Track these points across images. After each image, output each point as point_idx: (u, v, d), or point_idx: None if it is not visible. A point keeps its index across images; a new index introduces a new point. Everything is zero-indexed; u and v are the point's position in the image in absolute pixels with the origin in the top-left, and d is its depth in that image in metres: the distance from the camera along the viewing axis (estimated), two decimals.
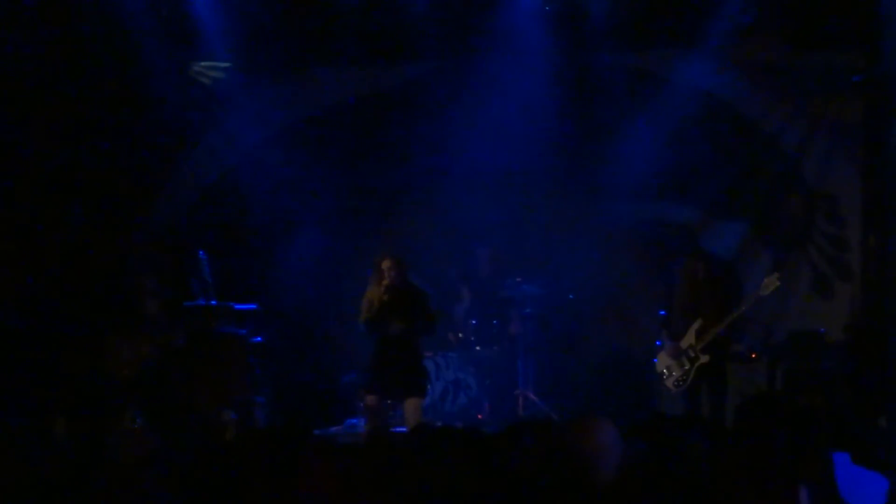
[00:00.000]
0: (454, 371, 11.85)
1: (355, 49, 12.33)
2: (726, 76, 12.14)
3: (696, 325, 9.76)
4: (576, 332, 12.44)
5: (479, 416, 11.74)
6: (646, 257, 12.24)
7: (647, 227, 12.41)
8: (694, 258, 10.01)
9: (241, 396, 10.66)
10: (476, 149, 12.22)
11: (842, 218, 12.05)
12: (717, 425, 8.98)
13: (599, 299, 12.41)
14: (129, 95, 12.18)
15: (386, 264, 9.67)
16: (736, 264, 11.26)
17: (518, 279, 12.17)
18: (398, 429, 10.04)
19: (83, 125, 11.92)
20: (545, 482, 4.33)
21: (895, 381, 10.18)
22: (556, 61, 12.06)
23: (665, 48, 12.20)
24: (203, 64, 12.48)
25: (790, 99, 12.10)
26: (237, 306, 11.22)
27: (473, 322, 12.15)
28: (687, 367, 9.76)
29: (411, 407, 9.73)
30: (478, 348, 12.04)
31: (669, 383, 9.91)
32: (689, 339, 9.78)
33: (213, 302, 10.97)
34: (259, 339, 11.22)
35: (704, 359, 9.71)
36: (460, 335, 12.11)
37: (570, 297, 12.33)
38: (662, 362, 9.97)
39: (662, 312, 10.22)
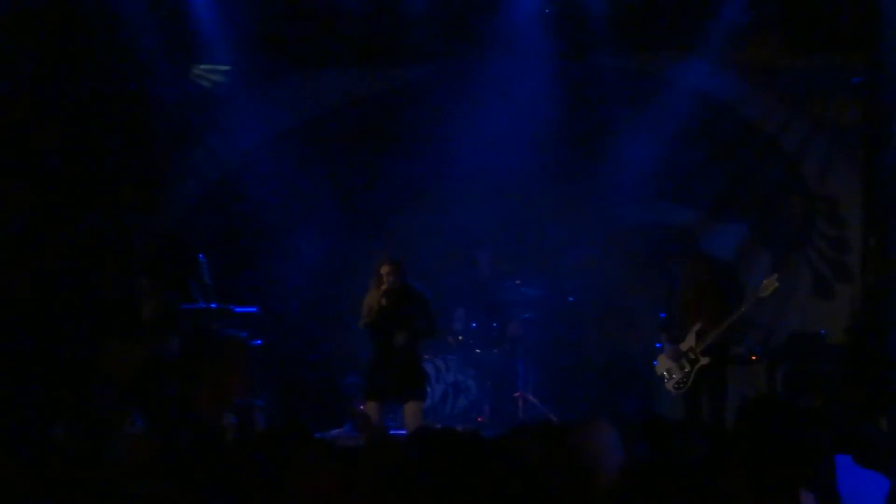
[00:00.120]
0: (454, 374, 11.84)
1: (355, 51, 12.35)
2: (726, 78, 12.15)
3: (696, 327, 9.75)
4: (576, 335, 12.43)
5: (479, 419, 11.73)
6: (646, 259, 12.24)
7: (647, 229, 12.41)
8: (694, 260, 10.00)
9: (241, 399, 10.65)
10: (476, 151, 12.22)
11: (841, 219, 12.06)
12: (718, 428, 8.99)
13: (599, 301, 12.40)
14: (130, 98, 12.19)
15: (385, 269, 9.67)
16: (736, 266, 11.25)
17: (518, 282, 12.16)
18: (398, 432, 10.03)
19: (83, 127, 11.92)
20: (545, 485, 4.33)
21: (895, 382, 10.17)
22: (556, 63, 12.07)
23: (665, 50, 12.21)
24: (203, 67, 12.49)
25: (790, 101, 12.11)
26: (237, 309, 11.21)
27: (473, 325, 12.14)
28: (687, 370, 9.75)
29: (411, 410, 9.72)
30: (478, 351, 12.03)
31: (670, 386, 9.89)
32: (689, 341, 9.77)
33: (213, 305, 10.96)
34: (259, 341, 11.21)
35: (705, 361, 9.70)
36: (460, 338, 12.10)
37: (570, 299, 12.33)
38: (662, 365, 9.95)
39: (662, 315, 10.21)
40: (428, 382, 10.75)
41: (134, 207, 12.47)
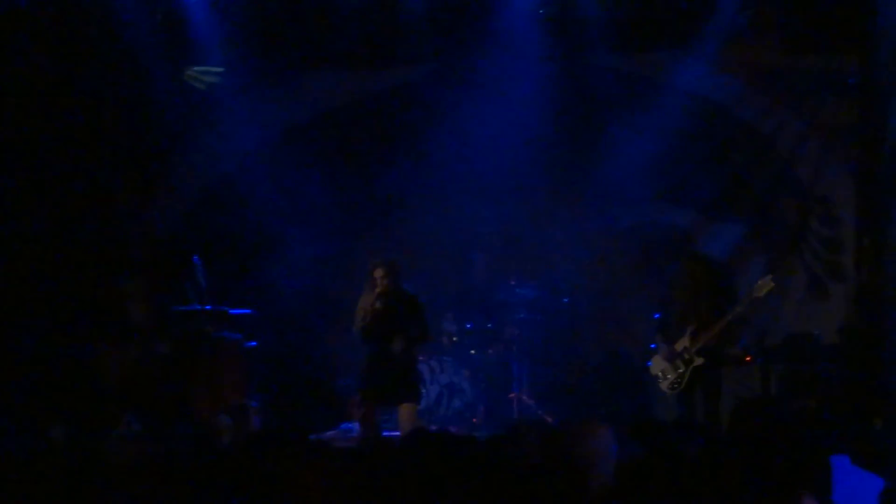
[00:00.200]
0: (449, 375, 11.85)
1: (352, 52, 12.36)
2: (721, 79, 12.16)
3: (691, 328, 9.76)
4: (571, 336, 12.43)
5: (474, 420, 11.73)
6: (640, 260, 12.26)
7: (642, 229, 12.43)
8: (690, 260, 10.00)
9: (237, 401, 10.64)
10: (472, 152, 12.24)
11: (836, 220, 12.07)
12: (712, 428, 9.01)
13: (594, 302, 12.41)
14: (124, 100, 12.17)
15: (379, 272, 9.64)
16: (731, 266, 11.26)
17: (513, 282, 12.17)
18: (392, 433, 10.03)
19: (78, 130, 11.91)
20: (540, 486, 4.33)
21: (890, 382, 10.19)
22: (551, 65, 12.07)
23: (660, 51, 12.22)
24: (197, 69, 12.48)
25: (785, 102, 12.13)
26: (232, 311, 11.21)
27: (468, 326, 12.14)
28: (682, 370, 9.75)
29: (406, 412, 9.71)
30: (472, 352, 12.03)
31: (664, 386, 9.90)
32: (684, 341, 9.78)
33: (208, 307, 10.95)
34: (254, 343, 11.21)
35: (699, 361, 9.70)
36: (455, 339, 12.10)
37: (565, 300, 12.33)
38: (657, 365, 9.96)
39: (657, 315, 10.22)
40: (422, 384, 10.74)
41: (129, 210, 12.46)
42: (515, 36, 11.89)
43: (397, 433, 9.77)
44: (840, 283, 11.99)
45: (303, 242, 12.58)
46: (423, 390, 10.88)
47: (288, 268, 12.49)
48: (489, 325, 12.15)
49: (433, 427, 9.13)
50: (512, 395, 11.95)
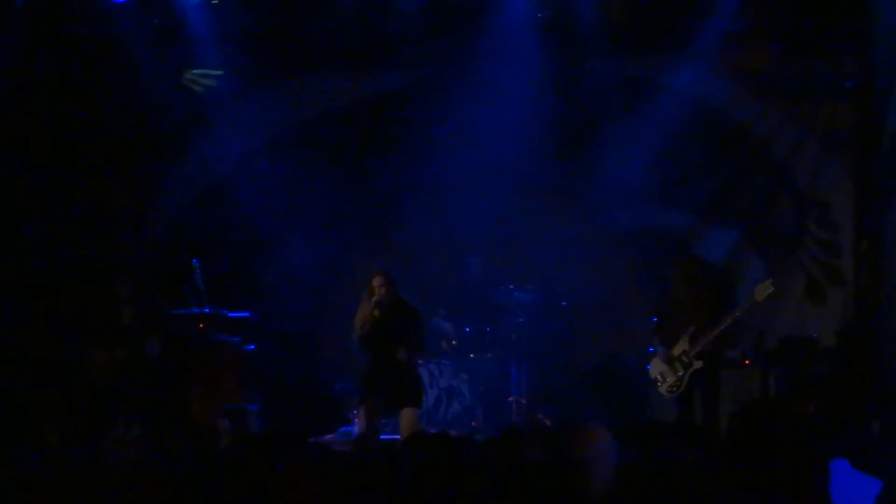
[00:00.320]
0: (447, 379, 11.84)
1: (348, 56, 12.35)
2: (718, 82, 12.17)
3: (689, 331, 9.75)
4: (568, 339, 12.42)
5: (473, 423, 11.73)
6: (638, 263, 12.25)
7: (640, 233, 12.43)
8: (687, 263, 10.00)
9: (235, 404, 10.64)
10: (469, 156, 12.24)
11: (833, 223, 12.08)
12: (711, 432, 9.00)
13: (592, 306, 12.40)
14: (122, 102, 12.17)
15: (377, 281, 9.67)
16: (728, 269, 11.26)
17: (510, 286, 12.16)
18: (391, 436, 10.03)
19: (75, 132, 11.90)
20: (539, 489, 4.33)
21: (888, 385, 10.19)
22: (547, 68, 12.06)
23: (656, 55, 12.22)
24: (195, 71, 12.48)
25: (782, 104, 12.13)
26: (230, 314, 11.21)
27: (467, 329, 12.14)
28: (680, 374, 9.75)
29: (407, 416, 9.71)
30: (471, 355, 12.03)
31: (663, 389, 9.89)
32: (682, 344, 9.77)
33: (207, 309, 10.95)
34: (252, 346, 11.20)
35: (698, 365, 9.70)
36: (453, 342, 12.10)
37: (563, 304, 12.33)
38: (656, 368, 9.96)
39: (655, 319, 10.22)
40: (423, 389, 10.74)
41: (124, 212, 12.45)
42: (512, 39, 11.88)
43: (397, 436, 9.76)
44: (838, 286, 12.00)
45: (300, 245, 12.57)
46: (424, 395, 10.87)
47: (286, 271, 12.49)
48: (487, 329, 12.15)
49: (432, 430, 9.14)
50: (510, 398, 11.94)
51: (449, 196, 12.41)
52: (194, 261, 11.10)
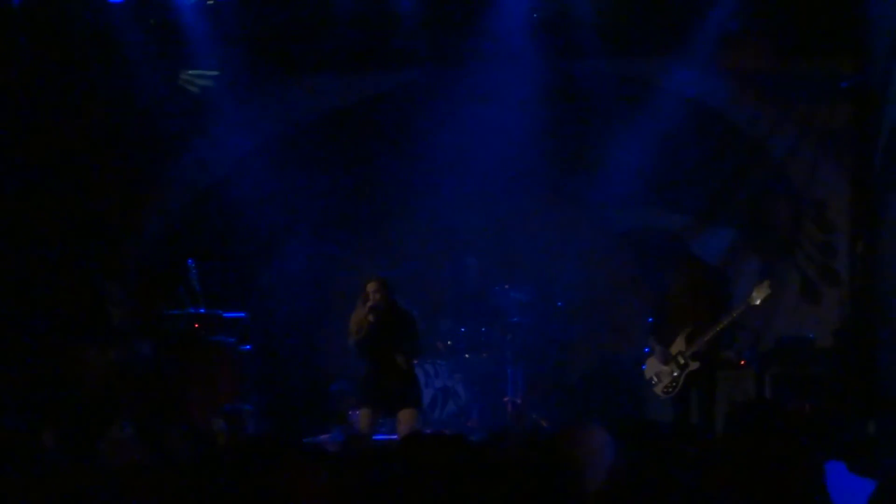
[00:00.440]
0: (443, 379, 11.84)
1: (344, 56, 12.34)
2: (714, 83, 12.17)
3: (686, 332, 9.76)
4: (565, 339, 12.42)
5: (468, 424, 11.72)
6: (634, 264, 12.26)
7: (636, 233, 12.43)
8: (684, 263, 10.01)
9: (231, 405, 10.64)
10: (465, 156, 12.23)
11: (829, 224, 12.08)
12: (707, 432, 9.01)
13: (588, 306, 12.39)
14: (118, 103, 12.16)
15: (371, 286, 9.71)
16: (725, 270, 11.26)
17: (506, 287, 12.16)
18: (390, 437, 10.02)
19: (71, 133, 11.89)
20: (535, 489, 4.33)
21: (883, 386, 10.20)
22: (544, 68, 12.06)
23: (653, 55, 12.22)
24: (191, 72, 12.47)
25: (778, 105, 12.14)
26: (226, 314, 11.20)
27: (462, 329, 12.14)
28: (676, 374, 9.75)
29: (406, 416, 9.72)
30: (466, 356, 12.02)
31: (658, 390, 9.90)
32: (678, 345, 9.77)
33: (202, 310, 10.94)
34: (248, 347, 11.20)
35: (694, 365, 9.70)
36: (449, 343, 12.10)
37: (559, 304, 12.32)
38: (651, 368, 9.96)
39: (651, 319, 10.22)
40: (421, 390, 10.74)
41: (121, 212, 12.44)
42: (509, 39, 11.88)
43: (394, 437, 9.76)
44: (833, 287, 12.00)
45: (297, 246, 12.57)
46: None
47: (282, 271, 12.48)
48: (483, 329, 12.14)
49: (428, 430, 9.14)
50: (506, 398, 11.93)
51: (445, 196, 12.40)
52: (190, 261, 11.09)
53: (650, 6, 11.74)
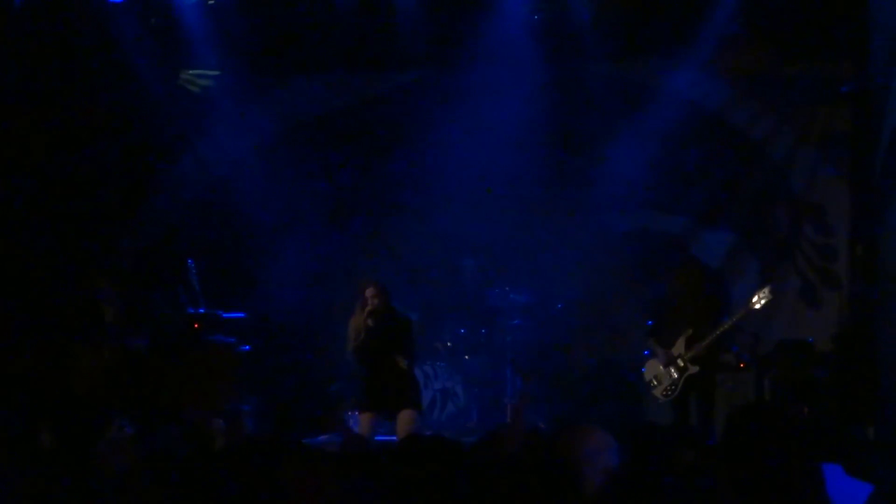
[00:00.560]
0: (442, 380, 11.84)
1: (344, 57, 12.34)
2: (714, 86, 12.17)
3: (685, 335, 9.76)
4: (564, 342, 12.42)
5: (468, 425, 11.72)
6: (634, 266, 12.25)
7: (636, 236, 12.43)
8: (685, 266, 10.01)
9: (229, 405, 10.63)
10: (464, 158, 12.22)
11: (829, 227, 12.08)
12: (706, 435, 9.01)
13: (587, 309, 12.39)
14: (118, 103, 12.16)
15: (369, 291, 9.72)
16: (725, 273, 11.26)
17: (506, 288, 12.16)
18: (389, 438, 10.02)
19: (70, 132, 11.88)
20: (532, 490, 4.33)
21: (883, 390, 10.19)
22: (543, 71, 12.06)
23: (653, 58, 12.22)
24: (191, 72, 12.47)
25: (778, 109, 12.14)
26: (225, 315, 11.20)
27: (461, 331, 12.14)
28: (676, 377, 9.75)
29: (405, 418, 9.72)
30: (466, 357, 12.02)
31: (658, 392, 9.90)
32: (678, 347, 9.78)
33: (202, 310, 10.93)
34: (247, 347, 11.19)
35: (694, 369, 9.71)
36: (448, 344, 12.10)
37: (559, 306, 12.32)
38: (651, 371, 9.96)
39: (650, 322, 10.22)
40: (420, 391, 10.74)
41: (120, 213, 12.43)
42: (509, 41, 11.87)
43: (394, 438, 9.76)
44: (833, 290, 12.00)
45: (296, 246, 12.56)
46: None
47: (281, 272, 12.48)
48: (483, 331, 12.15)
49: (427, 432, 9.14)
50: (505, 400, 11.92)
51: (445, 198, 12.39)
52: (190, 261, 11.09)
53: (650, 8, 11.74)
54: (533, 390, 11.94)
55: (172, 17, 11.84)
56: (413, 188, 12.60)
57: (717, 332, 9.66)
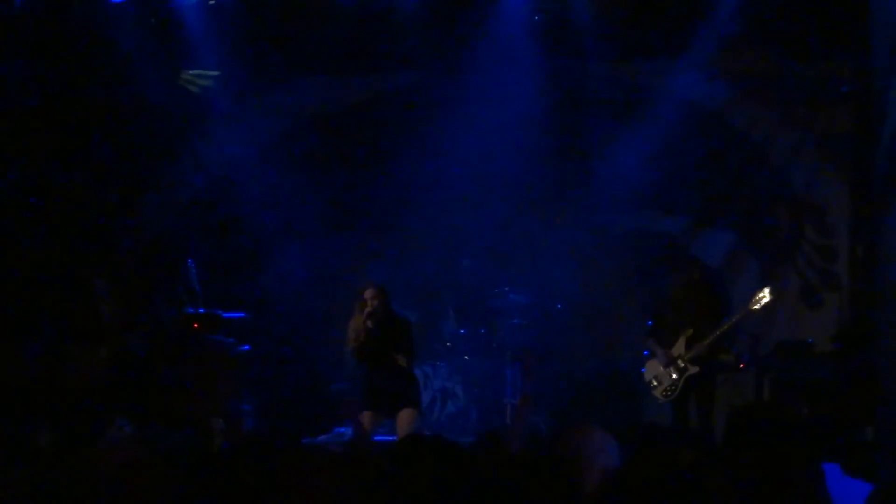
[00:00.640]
0: (442, 380, 11.85)
1: (344, 58, 12.34)
2: (714, 86, 12.16)
3: (685, 335, 9.76)
4: (564, 342, 12.41)
5: (467, 425, 11.71)
6: (634, 266, 12.25)
7: (636, 236, 12.42)
8: (685, 266, 10.01)
9: (230, 405, 10.63)
10: (464, 158, 12.22)
11: (829, 228, 12.07)
12: (706, 435, 9.01)
13: (587, 309, 12.39)
14: (118, 103, 12.15)
15: (369, 293, 9.74)
16: (725, 274, 11.26)
17: (506, 289, 12.16)
18: (387, 437, 10.03)
19: (70, 132, 11.89)
20: (532, 490, 4.33)
21: (882, 391, 10.19)
22: (544, 71, 12.06)
23: (653, 58, 12.22)
24: (191, 72, 12.47)
25: (778, 109, 12.13)
26: (225, 314, 11.20)
27: (461, 331, 12.14)
28: (675, 377, 9.75)
29: (405, 417, 9.73)
30: (465, 358, 12.02)
31: (658, 393, 9.90)
32: (678, 348, 9.78)
33: (201, 310, 10.93)
34: (247, 347, 11.19)
35: (694, 369, 9.71)
36: (448, 344, 12.10)
37: (558, 306, 12.32)
38: (651, 372, 9.96)
39: (650, 322, 10.22)
40: (420, 391, 10.74)
41: (119, 212, 12.43)
42: (510, 41, 11.88)
43: (393, 437, 9.77)
44: (833, 291, 11.99)
45: (296, 246, 12.57)
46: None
47: (281, 272, 12.48)
48: (482, 331, 12.15)
49: (427, 432, 9.14)
50: (505, 400, 11.92)
51: (446, 198, 12.39)
52: (189, 261, 11.08)
53: (650, 9, 11.74)
54: (534, 390, 11.93)
55: (172, 18, 11.84)
56: (413, 188, 12.59)
57: (717, 333, 9.66)
